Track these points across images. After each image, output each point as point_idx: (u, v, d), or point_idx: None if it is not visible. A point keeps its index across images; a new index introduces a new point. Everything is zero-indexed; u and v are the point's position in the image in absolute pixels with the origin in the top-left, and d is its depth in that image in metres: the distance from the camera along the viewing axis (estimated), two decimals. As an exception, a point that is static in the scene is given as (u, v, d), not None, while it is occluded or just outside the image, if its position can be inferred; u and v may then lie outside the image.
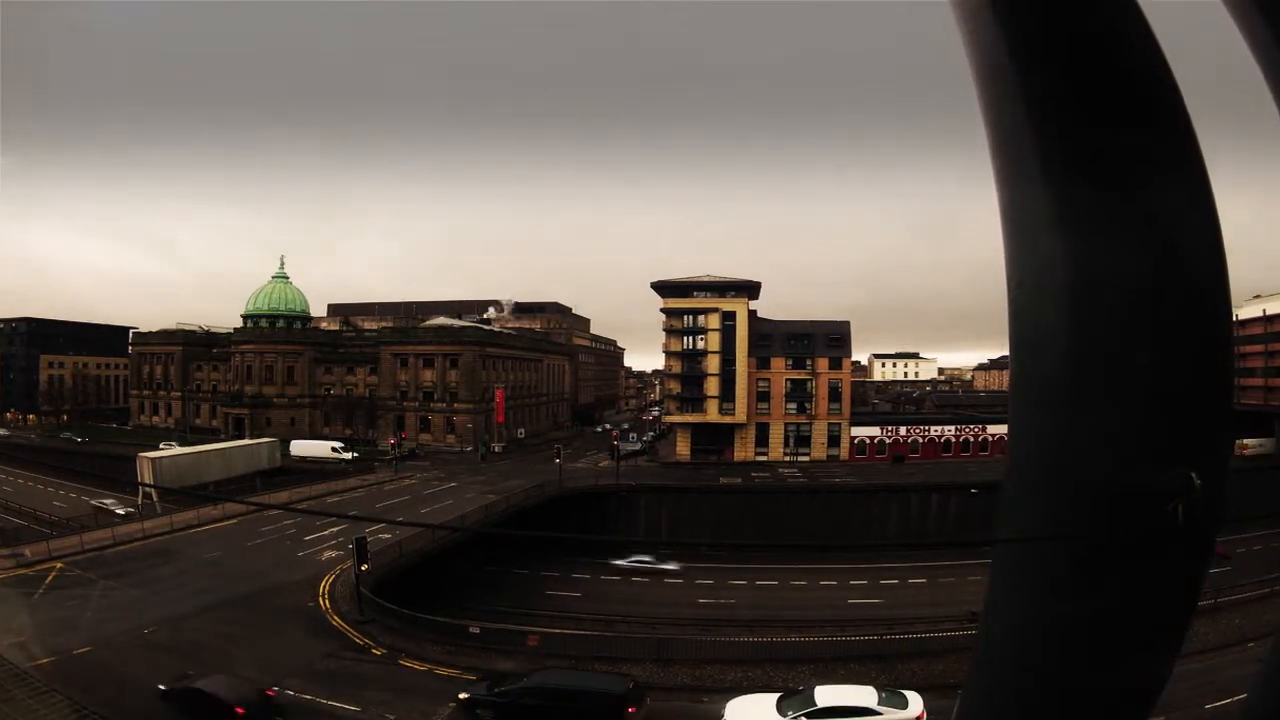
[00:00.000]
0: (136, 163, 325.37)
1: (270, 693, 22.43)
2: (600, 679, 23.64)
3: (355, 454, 75.28)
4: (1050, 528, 2.22)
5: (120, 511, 51.41)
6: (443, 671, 26.17)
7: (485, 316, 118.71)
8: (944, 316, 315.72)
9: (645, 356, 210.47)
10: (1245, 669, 21.88)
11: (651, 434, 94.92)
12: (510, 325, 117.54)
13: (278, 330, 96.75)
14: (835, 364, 77.78)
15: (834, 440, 77.00)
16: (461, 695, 23.12)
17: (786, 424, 77.39)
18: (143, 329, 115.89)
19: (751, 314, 78.75)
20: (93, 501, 55.78)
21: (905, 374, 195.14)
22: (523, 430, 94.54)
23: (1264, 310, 74.96)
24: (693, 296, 79.03)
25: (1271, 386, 73.67)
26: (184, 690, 21.74)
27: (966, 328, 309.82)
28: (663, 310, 79.66)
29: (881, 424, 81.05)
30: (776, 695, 22.46)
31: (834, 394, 77.21)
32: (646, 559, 49.86)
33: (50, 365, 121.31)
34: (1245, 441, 68.46)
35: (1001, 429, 68.09)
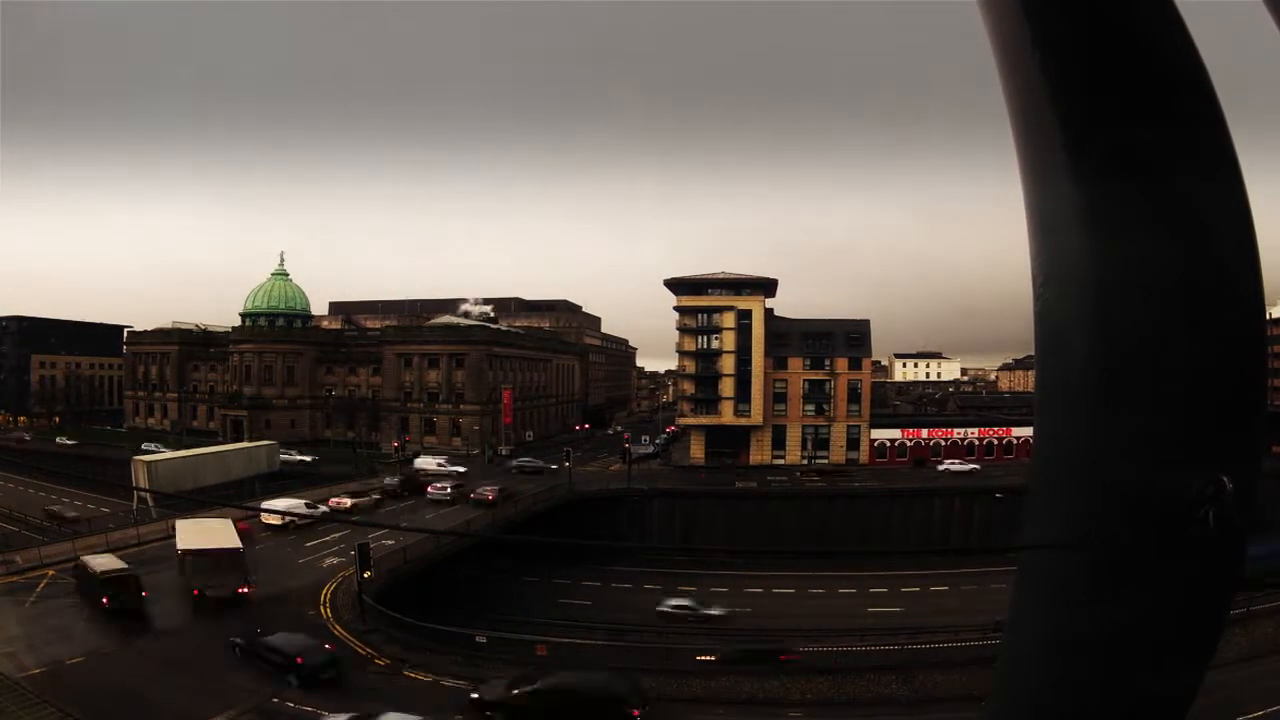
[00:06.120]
0: (133, 160, 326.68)
1: (330, 647, 26.03)
2: (609, 681, 24.54)
3: None
4: (1077, 533, 2.17)
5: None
6: (449, 683, 25.81)
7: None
8: (966, 316, 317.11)
9: (658, 357, 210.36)
10: (1278, 680, 23.19)
11: (665, 436, 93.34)
12: (518, 324, 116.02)
13: (278, 329, 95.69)
14: (855, 364, 76.62)
15: (853, 443, 75.90)
16: (473, 695, 23.63)
17: (804, 426, 76.19)
18: (138, 328, 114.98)
19: (768, 312, 77.74)
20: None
21: (927, 374, 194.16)
22: (531, 432, 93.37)
23: (1297, 309, 73.17)
24: (707, 294, 78.08)
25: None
26: (253, 643, 25.55)
27: (989, 328, 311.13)
28: (676, 309, 78.81)
29: (903, 426, 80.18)
30: None
31: (853, 395, 76.12)
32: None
33: (42, 365, 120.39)
34: None
35: (1027, 431, 66.50)
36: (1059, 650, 2.26)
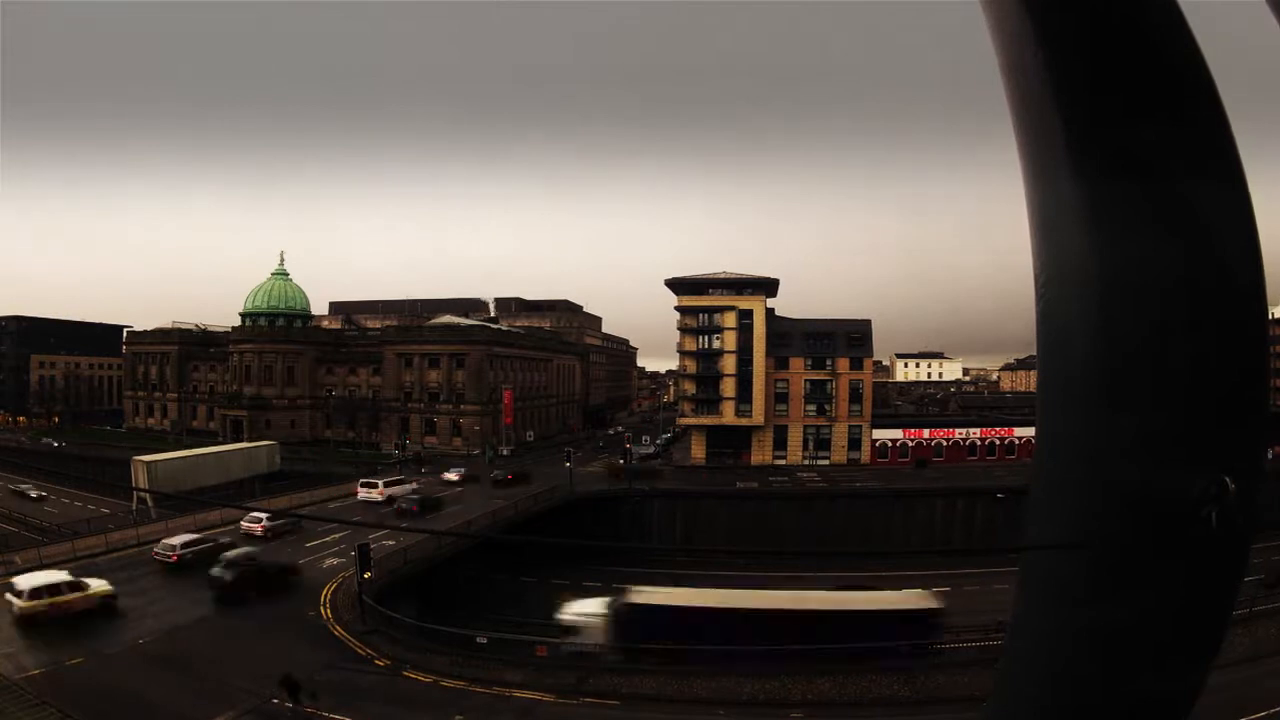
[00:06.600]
0: (133, 160, 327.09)
1: None
2: None
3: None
4: (1079, 533, 2.18)
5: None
6: (448, 683, 25.59)
7: (491, 314, 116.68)
8: (968, 315, 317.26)
9: (659, 357, 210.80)
10: (1280, 681, 22.91)
11: (666, 436, 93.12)
12: (519, 324, 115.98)
13: (277, 329, 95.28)
14: (856, 364, 76.26)
15: (855, 443, 75.56)
16: None
17: (805, 426, 75.88)
18: (138, 328, 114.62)
19: (769, 312, 77.41)
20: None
21: (929, 374, 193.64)
22: (531, 433, 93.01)
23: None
24: (708, 294, 77.72)
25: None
26: None
27: (991, 328, 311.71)
28: (677, 309, 78.44)
29: (904, 426, 79.86)
30: None
31: (855, 395, 75.76)
32: None
33: (41, 365, 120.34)
34: None
35: (1029, 431, 66.39)
36: (1061, 650, 2.26)
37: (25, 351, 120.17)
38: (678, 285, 78.49)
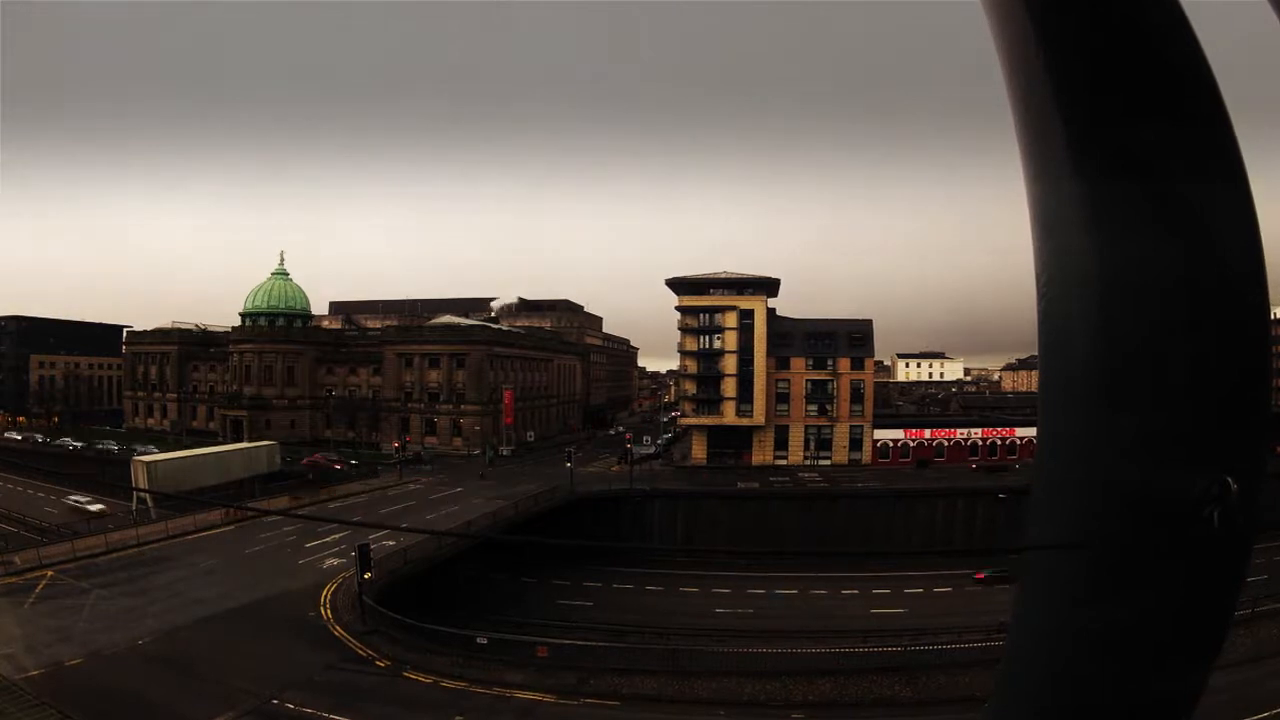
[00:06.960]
0: (133, 160, 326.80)
1: None
2: None
3: None
4: (1081, 534, 2.17)
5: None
6: (449, 684, 25.63)
7: (492, 314, 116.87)
8: (969, 315, 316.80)
9: (660, 357, 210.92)
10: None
11: (666, 436, 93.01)
12: (519, 324, 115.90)
13: (277, 329, 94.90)
14: (857, 364, 76.04)
15: (856, 444, 75.30)
16: None
17: (807, 426, 75.65)
18: (138, 328, 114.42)
19: (770, 312, 77.19)
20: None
21: (930, 374, 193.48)
22: (532, 433, 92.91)
23: (1301, 309, 73.15)
24: (709, 294, 77.46)
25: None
26: None
27: (992, 328, 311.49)
28: (678, 309, 78.26)
29: (906, 426, 79.67)
30: None
31: (856, 395, 75.51)
32: None
33: (41, 365, 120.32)
34: None
35: (1030, 431, 66.27)
36: (1062, 650, 2.24)
37: (25, 351, 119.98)
38: (678, 285, 78.31)
